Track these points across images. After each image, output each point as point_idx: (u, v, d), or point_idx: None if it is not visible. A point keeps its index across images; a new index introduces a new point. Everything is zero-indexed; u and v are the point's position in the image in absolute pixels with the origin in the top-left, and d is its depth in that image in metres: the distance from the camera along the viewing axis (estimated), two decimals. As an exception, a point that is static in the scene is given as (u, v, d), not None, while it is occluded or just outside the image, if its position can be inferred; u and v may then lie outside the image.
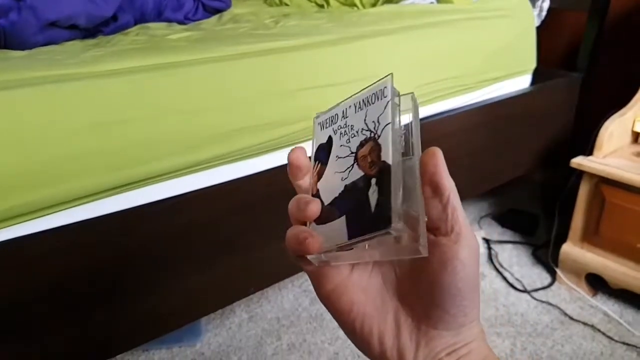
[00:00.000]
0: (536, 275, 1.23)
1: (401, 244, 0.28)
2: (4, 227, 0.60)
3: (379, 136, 0.29)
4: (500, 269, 1.26)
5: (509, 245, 1.36)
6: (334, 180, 0.30)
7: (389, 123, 0.29)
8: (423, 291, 0.28)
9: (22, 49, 0.99)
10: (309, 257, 0.29)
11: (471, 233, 0.27)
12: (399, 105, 0.30)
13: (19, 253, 0.60)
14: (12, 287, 0.60)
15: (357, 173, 0.29)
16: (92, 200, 0.66)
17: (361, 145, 0.30)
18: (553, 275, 1.22)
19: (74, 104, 0.62)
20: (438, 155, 0.28)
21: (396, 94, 0.30)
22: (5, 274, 0.59)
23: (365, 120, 0.30)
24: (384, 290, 0.31)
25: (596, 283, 1.15)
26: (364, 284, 0.31)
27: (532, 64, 1.25)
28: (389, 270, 0.31)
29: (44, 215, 0.63)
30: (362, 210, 0.27)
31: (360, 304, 0.30)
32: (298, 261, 0.30)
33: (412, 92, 0.31)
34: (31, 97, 0.59)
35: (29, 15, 1.04)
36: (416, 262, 0.28)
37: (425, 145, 0.30)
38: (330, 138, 0.32)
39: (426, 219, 0.28)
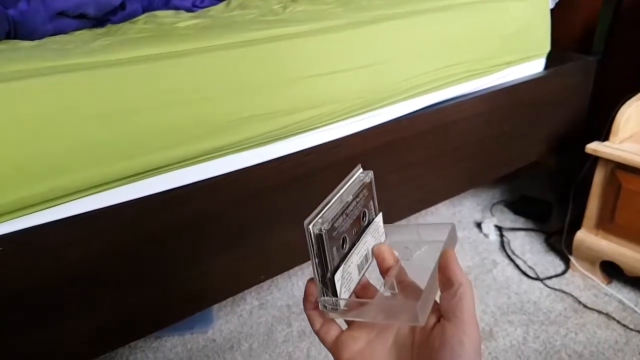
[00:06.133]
0: (549, 263, 1.22)
1: (402, 310, 0.34)
2: (19, 217, 0.60)
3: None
4: (513, 257, 1.25)
5: (522, 233, 1.35)
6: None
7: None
8: None
9: (32, 39, 0.99)
10: (325, 305, 0.35)
11: (475, 324, 0.32)
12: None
13: (33, 242, 0.61)
14: (27, 276, 0.61)
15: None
16: (103, 190, 0.66)
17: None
18: (566, 262, 1.20)
19: (84, 93, 0.62)
20: (450, 256, 0.34)
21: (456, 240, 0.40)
22: (20, 263, 0.60)
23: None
24: None
25: (611, 271, 1.13)
26: (382, 358, 0.35)
27: (546, 47, 1.22)
28: (405, 349, 0.35)
29: (57, 205, 0.63)
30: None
31: None
32: (319, 333, 0.38)
33: (453, 224, 0.40)
34: (42, 87, 0.59)
35: (38, 4, 1.04)
36: (426, 342, 0.33)
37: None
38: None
39: (434, 301, 0.34)
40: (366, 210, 0.40)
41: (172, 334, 1.05)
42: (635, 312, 1.04)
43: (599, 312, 1.05)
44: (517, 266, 1.21)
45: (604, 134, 1.10)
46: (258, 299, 1.15)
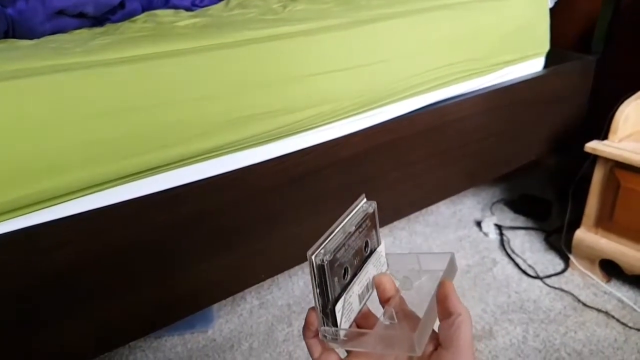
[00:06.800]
0: (549, 262, 1.22)
1: (400, 340, 0.35)
2: (16, 216, 0.60)
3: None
4: (513, 255, 1.25)
5: (521, 231, 1.35)
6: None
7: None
8: None
9: (31, 38, 0.99)
10: (325, 335, 0.36)
11: (471, 353, 0.33)
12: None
13: (31, 242, 0.61)
14: (25, 276, 0.61)
15: None
16: (102, 189, 0.66)
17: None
18: (566, 261, 1.21)
19: (83, 92, 0.62)
20: (448, 287, 0.35)
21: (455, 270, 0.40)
22: (17, 263, 0.60)
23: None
24: None
25: (610, 269, 1.14)
26: None
27: (546, 46, 1.22)
28: None
29: (55, 205, 0.63)
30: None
31: None
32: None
33: (452, 253, 0.40)
34: (40, 86, 0.59)
35: (37, 3, 1.04)
36: None
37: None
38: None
39: (433, 332, 0.35)
40: (368, 240, 0.41)
41: (172, 334, 1.05)
42: (635, 310, 1.05)
43: (599, 310, 1.05)
44: (517, 265, 1.21)
45: (603, 133, 1.10)
46: (258, 298, 1.14)
